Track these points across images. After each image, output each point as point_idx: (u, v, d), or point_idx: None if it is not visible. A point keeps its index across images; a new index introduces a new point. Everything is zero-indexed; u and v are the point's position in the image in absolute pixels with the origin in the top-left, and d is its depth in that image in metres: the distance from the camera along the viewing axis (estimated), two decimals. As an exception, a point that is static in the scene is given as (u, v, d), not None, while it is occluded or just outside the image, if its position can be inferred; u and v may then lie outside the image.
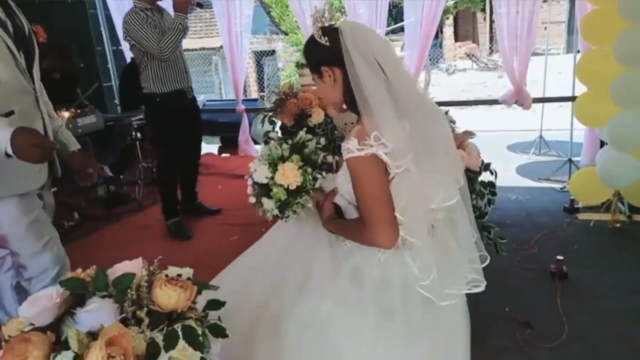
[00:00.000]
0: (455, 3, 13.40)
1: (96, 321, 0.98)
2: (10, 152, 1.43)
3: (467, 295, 1.38)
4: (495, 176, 2.05)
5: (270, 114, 2.71)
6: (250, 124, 5.19)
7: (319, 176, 1.50)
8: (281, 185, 1.47)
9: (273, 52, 12.59)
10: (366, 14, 4.61)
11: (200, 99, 4.46)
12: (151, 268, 1.13)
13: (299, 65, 2.74)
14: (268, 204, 1.51)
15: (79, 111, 3.63)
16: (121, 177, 4.37)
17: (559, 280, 2.50)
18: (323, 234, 1.49)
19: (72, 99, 3.82)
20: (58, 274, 1.73)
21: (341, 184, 1.41)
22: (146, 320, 1.00)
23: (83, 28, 5.04)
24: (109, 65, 5.46)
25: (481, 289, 1.34)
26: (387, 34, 7.83)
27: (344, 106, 1.37)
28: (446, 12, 13.13)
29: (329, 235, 1.48)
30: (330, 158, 1.60)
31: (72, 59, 4.02)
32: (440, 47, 15.48)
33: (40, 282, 1.70)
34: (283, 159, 1.50)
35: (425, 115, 1.31)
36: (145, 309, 1.01)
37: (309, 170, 1.49)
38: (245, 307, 1.39)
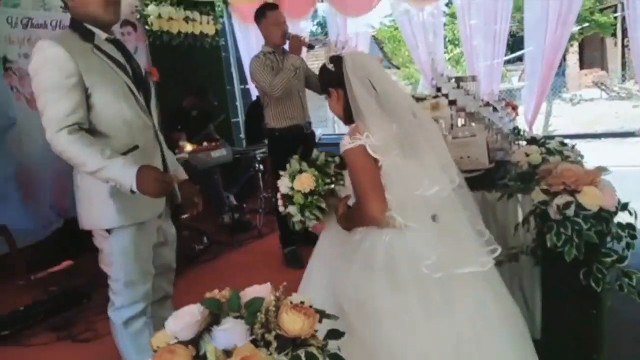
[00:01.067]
0: (582, 29, 12.51)
1: (230, 340, 1.05)
2: (135, 189, 1.59)
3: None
4: (635, 217, 1.86)
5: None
6: (362, 157, 5.28)
7: (327, 180, 1.81)
8: (299, 192, 1.77)
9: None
10: (482, 45, 4.53)
11: (318, 133, 4.68)
12: (277, 294, 1.20)
13: (415, 100, 2.75)
14: (293, 210, 1.79)
15: (212, 145, 4.01)
16: (244, 206, 4.69)
17: None
18: (338, 241, 1.76)
19: (207, 134, 4.23)
20: (146, 308, 1.85)
21: (348, 185, 1.73)
22: (274, 344, 1.06)
23: (217, 69, 5.58)
24: (238, 103, 5.97)
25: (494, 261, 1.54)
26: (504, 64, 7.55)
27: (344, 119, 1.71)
28: (571, 39, 12.32)
29: (344, 237, 1.73)
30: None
31: (208, 98, 4.46)
32: (564, 75, 14.49)
33: (129, 312, 1.82)
34: (301, 172, 1.82)
35: (415, 121, 1.60)
36: (273, 333, 1.08)
37: (320, 176, 1.80)
38: None
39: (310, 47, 3.39)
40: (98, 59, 1.68)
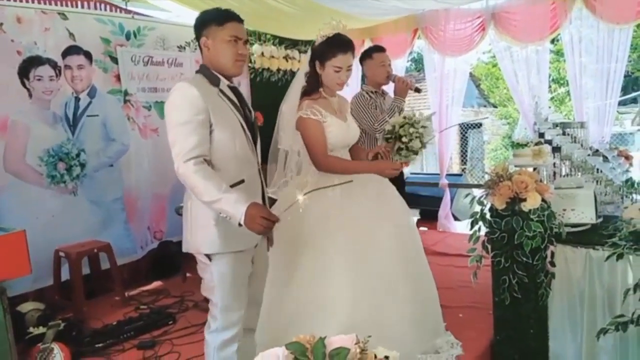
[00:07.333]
0: None
1: (312, 389, 1.04)
2: (242, 223, 1.71)
3: None
4: None
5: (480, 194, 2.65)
6: (451, 200, 5.11)
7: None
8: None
9: (479, 125, 12.39)
10: (589, 83, 4.27)
11: (405, 171, 4.61)
12: (361, 344, 1.17)
13: (515, 145, 2.62)
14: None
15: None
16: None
17: None
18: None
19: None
20: (238, 332, 1.94)
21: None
22: (356, 398, 1.02)
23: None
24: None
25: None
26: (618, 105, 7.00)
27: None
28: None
29: None
30: None
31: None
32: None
33: (224, 335, 1.92)
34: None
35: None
36: (356, 386, 1.04)
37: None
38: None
39: (417, 90, 3.43)
40: (221, 101, 1.89)
